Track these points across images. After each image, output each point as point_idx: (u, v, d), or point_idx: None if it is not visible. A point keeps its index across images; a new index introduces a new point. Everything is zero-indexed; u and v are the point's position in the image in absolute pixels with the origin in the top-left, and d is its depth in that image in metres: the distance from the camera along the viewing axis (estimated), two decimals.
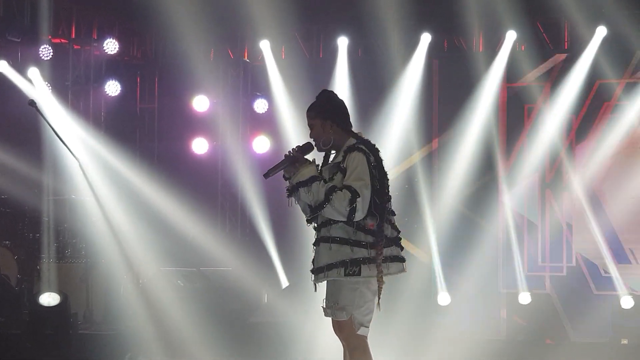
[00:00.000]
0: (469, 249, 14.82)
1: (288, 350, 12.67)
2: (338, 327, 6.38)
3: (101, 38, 15.43)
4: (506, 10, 14.24)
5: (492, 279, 14.75)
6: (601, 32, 14.37)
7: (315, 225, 6.46)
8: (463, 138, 14.98)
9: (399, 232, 6.46)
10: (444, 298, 14.55)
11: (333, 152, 6.53)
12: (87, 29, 15.70)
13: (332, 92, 6.58)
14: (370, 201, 6.23)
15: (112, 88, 15.49)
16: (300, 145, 6.52)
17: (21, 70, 14.64)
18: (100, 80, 15.52)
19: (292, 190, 6.48)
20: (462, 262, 14.74)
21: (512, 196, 14.77)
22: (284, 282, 15.33)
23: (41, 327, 12.24)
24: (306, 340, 12.57)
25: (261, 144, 15.72)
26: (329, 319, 6.42)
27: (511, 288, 14.57)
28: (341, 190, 6.19)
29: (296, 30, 15.60)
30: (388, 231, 6.34)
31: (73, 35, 15.52)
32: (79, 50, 15.54)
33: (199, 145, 15.88)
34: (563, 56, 14.72)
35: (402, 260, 6.43)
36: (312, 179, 6.25)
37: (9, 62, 14.70)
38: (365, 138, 6.46)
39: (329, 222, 6.31)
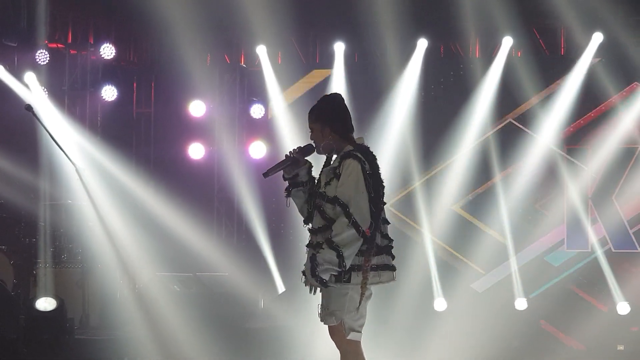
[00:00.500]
0: (468, 252, 14.86)
1: (284, 355, 12.67)
2: (331, 333, 6.39)
3: (98, 43, 15.42)
4: (502, 16, 14.26)
5: (487, 284, 14.77)
6: (597, 38, 14.40)
7: (310, 227, 6.47)
8: (459, 142, 15.00)
9: (390, 240, 6.45)
10: (440, 304, 14.55)
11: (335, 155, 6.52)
12: (84, 33, 15.70)
13: (335, 95, 6.54)
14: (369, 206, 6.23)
15: (109, 93, 15.48)
16: (302, 146, 6.53)
17: (18, 75, 14.63)
18: (97, 85, 15.50)
19: (290, 191, 6.49)
20: (460, 266, 14.76)
21: (511, 199, 14.79)
22: (280, 287, 15.32)
23: (37, 332, 12.23)
24: (303, 346, 12.56)
25: (257, 149, 15.71)
26: (326, 325, 6.42)
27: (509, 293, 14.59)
28: (337, 224, 6.17)
29: (293, 36, 15.60)
30: (378, 239, 6.34)
31: (69, 40, 15.52)
32: (75, 55, 15.52)
33: (195, 150, 15.87)
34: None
35: (393, 269, 6.43)
36: (313, 259, 6.19)
37: (5, 67, 14.68)
38: (365, 145, 6.44)
39: (325, 228, 6.31)
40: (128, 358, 12.04)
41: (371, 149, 6.44)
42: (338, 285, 6.22)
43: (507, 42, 14.75)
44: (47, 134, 13.10)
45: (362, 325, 6.35)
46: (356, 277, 6.25)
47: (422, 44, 15.05)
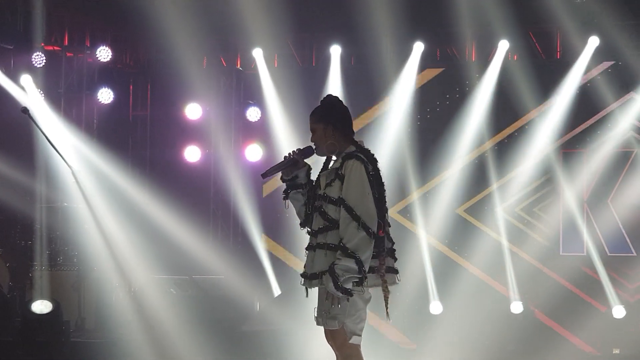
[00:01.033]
0: (465, 255, 14.88)
1: (280, 358, 12.67)
2: (330, 336, 6.36)
3: (94, 45, 15.42)
4: (499, 20, 14.28)
5: (485, 287, 14.78)
6: (593, 42, 14.42)
7: (309, 229, 6.45)
8: (455, 146, 15.02)
9: (393, 243, 6.45)
10: (436, 307, 14.56)
11: (334, 158, 6.51)
12: (80, 36, 15.69)
13: (337, 97, 6.54)
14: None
15: (105, 95, 15.47)
16: (301, 148, 6.52)
17: (14, 77, 14.61)
18: (93, 88, 15.49)
19: (288, 193, 6.49)
20: (456, 269, 14.79)
21: (507, 202, 14.81)
22: (276, 290, 15.32)
23: (33, 335, 12.21)
24: (298, 349, 12.57)
25: (253, 152, 15.72)
26: (321, 328, 6.41)
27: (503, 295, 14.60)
28: (346, 229, 6.16)
29: (289, 39, 15.61)
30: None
31: (66, 43, 15.50)
32: (71, 57, 15.52)
33: (192, 153, 15.87)
34: None
35: (396, 271, 6.42)
36: (332, 272, 6.15)
37: (1, 70, 14.67)
38: (366, 147, 6.44)
39: (326, 229, 6.29)
40: None
41: (372, 152, 6.43)
42: (360, 289, 6.18)
43: (503, 46, 14.77)
44: (44, 137, 13.09)
45: (362, 329, 6.34)
46: (368, 279, 6.23)
47: (419, 47, 15.07)
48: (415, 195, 15.00)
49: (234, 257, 15.02)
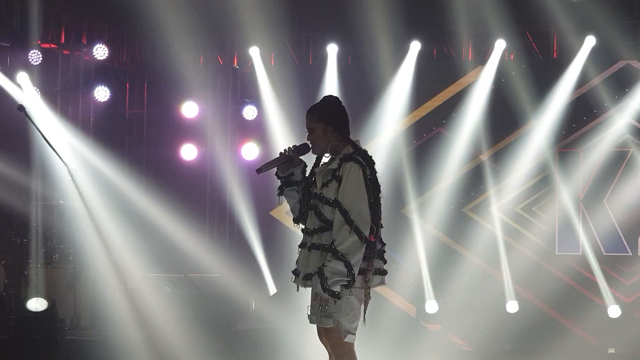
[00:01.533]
0: (459, 255, 14.88)
1: (275, 356, 12.67)
2: (325, 335, 6.36)
3: (90, 43, 15.41)
4: (495, 19, 14.28)
5: (481, 287, 14.78)
6: (590, 41, 14.43)
7: (303, 227, 6.46)
8: (452, 145, 15.03)
9: (383, 244, 6.46)
10: (431, 306, 14.56)
11: (326, 155, 6.50)
12: (77, 34, 15.68)
13: (337, 98, 6.55)
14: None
15: (101, 93, 15.46)
16: (297, 145, 6.52)
17: (10, 75, 14.61)
18: (90, 86, 15.48)
19: (283, 189, 6.49)
20: (451, 270, 14.79)
21: (503, 202, 14.82)
22: (272, 289, 15.33)
23: (28, 333, 12.19)
24: (293, 347, 12.57)
25: (250, 151, 15.72)
26: (315, 326, 6.41)
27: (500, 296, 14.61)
28: (339, 232, 6.16)
29: (286, 37, 15.61)
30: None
31: (62, 41, 15.50)
32: (68, 55, 15.51)
33: (188, 152, 15.88)
34: None
35: (384, 273, 6.43)
36: (321, 274, 6.17)
37: None
38: (363, 148, 6.44)
39: (321, 229, 6.30)
40: (119, 359, 12.03)
41: (370, 154, 6.43)
42: (348, 292, 6.19)
43: (499, 45, 14.77)
44: (40, 135, 13.07)
45: (357, 328, 6.35)
46: (358, 281, 6.24)
47: (415, 46, 15.07)
48: (409, 193, 15.00)
49: (229, 255, 15.02)
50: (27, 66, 14.58)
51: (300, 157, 6.50)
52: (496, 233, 14.74)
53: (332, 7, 14.98)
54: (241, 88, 16.06)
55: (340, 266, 6.12)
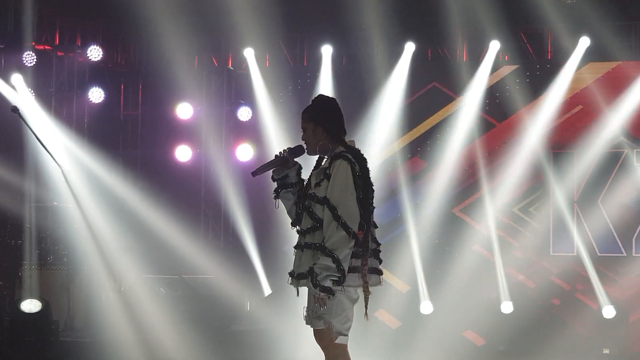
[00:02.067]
0: (453, 256, 14.89)
1: (270, 357, 12.67)
2: (317, 336, 6.37)
3: (85, 45, 15.39)
4: (490, 21, 14.30)
5: (475, 287, 14.79)
6: (584, 42, 14.44)
7: (299, 229, 6.45)
8: (447, 147, 15.04)
9: (378, 244, 6.45)
10: (426, 307, 14.57)
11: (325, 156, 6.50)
12: (71, 35, 15.66)
13: (329, 97, 6.53)
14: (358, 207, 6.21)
15: (96, 95, 15.44)
16: (292, 147, 6.51)
17: (4, 76, 14.59)
18: (84, 87, 15.47)
19: (279, 192, 6.49)
20: (445, 270, 14.80)
21: (497, 203, 14.84)
22: (267, 289, 15.33)
23: (22, 334, 12.19)
24: (288, 348, 12.57)
25: (244, 152, 15.72)
26: (313, 327, 6.40)
27: (494, 296, 14.61)
28: (327, 228, 6.16)
29: (280, 39, 15.60)
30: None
31: (57, 42, 15.48)
32: (62, 56, 15.49)
33: (183, 153, 15.86)
34: None
35: (380, 273, 6.42)
36: (311, 272, 6.17)
37: None
38: (356, 147, 6.43)
39: (313, 228, 6.29)
40: None
41: (362, 152, 6.42)
42: (340, 289, 6.17)
43: (494, 46, 14.78)
44: (34, 136, 13.07)
45: (349, 329, 6.33)
46: (351, 279, 6.22)
47: (410, 47, 15.08)
48: (404, 194, 15.01)
49: (224, 256, 15.01)
50: (21, 67, 14.57)
51: (295, 159, 6.49)
52: (491, 233, 14.74)
53: (327, 8, 14.98)
54: (236, 89, 16.05)
55: (328, 262, 6.11)
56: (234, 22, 14.74)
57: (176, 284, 14.13)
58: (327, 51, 15.39)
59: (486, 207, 14.83)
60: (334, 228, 6.14)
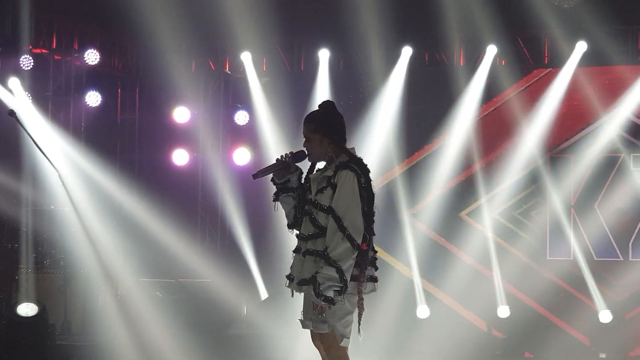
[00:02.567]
0: (450, 260, 14.90)
1: None
2: (320, 339, 6.39)
3: (82, 49, 15.40)
4: (487, 25, 14.32)
5: (471, 291, 14.79)
6: (581, 47, 14.46)
7: (298, 232, 6.47)
8: (444, 151, 15.05)
9: (375, 252, 6.49)
10: (423, 311, 14.57)
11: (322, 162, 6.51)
12: (68, 39, 15.66)
13: (333, 104, 6.53)
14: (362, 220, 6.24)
15: (93, 99, 15.44)
16: (294, 152, 6.51)
17: (1, 80, 14.57)
18: (81, 91, 15.47)
19: (279, 195, 6.49)
20: (442, 275, 14.80)
21: (494, 206, 14.86)
22: (263, 293, 15.33)
23: (19, 338, 12.18)
24: (285, 352, 12.57)
25: (241, 156, 15.73)
26: (307, 331, 6.43)
27: (491, 300, 14.62)
28: (332, 239, 6.18)
29: (277, 43, 15.62)
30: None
31: (54, 46, 15.48)
32: (59, 60, 15.49)
33: (180, 157, 15.87)
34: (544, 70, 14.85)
35: (375, 280, 6.47)
36: (314, 281, 6.20)
37: None
38: (358, 156, 6.45)
39: (315, 236, 6.32)
40: None
41: (365, 162, 6.43)
42: (341, 298, 6.21)
43: (491, 51, 14.80)
44: (31, 140, 13.06)
45: (350, 332, 6.38)
46: (350, 287, 6.26)
47: (407, 51, 15.09)
48: (401, 194, 15.03)
49: (221, 260, 15.02)
50: (18, 71, 14.56)
51: (296, 164, 6.51)
52: (488, 238, 14.75)
53: (324, 12, 14.99)
54: (233, 93, 16.06)
55: (332, 272, 6.15)
56: (231, 26, 14.75)
57: (173, 287, 14.13)
58: (324, 55, 15.40)
59: (484, 211, 14.83)
60: (339, 239, 6.18)
